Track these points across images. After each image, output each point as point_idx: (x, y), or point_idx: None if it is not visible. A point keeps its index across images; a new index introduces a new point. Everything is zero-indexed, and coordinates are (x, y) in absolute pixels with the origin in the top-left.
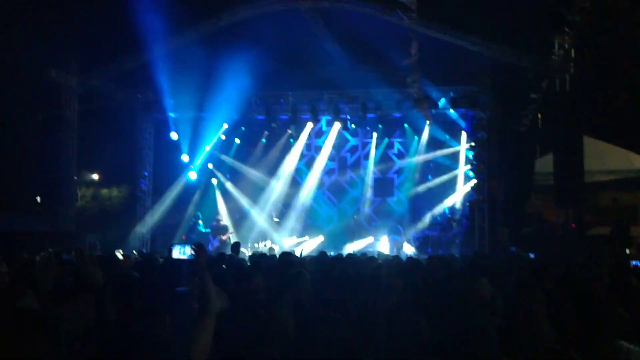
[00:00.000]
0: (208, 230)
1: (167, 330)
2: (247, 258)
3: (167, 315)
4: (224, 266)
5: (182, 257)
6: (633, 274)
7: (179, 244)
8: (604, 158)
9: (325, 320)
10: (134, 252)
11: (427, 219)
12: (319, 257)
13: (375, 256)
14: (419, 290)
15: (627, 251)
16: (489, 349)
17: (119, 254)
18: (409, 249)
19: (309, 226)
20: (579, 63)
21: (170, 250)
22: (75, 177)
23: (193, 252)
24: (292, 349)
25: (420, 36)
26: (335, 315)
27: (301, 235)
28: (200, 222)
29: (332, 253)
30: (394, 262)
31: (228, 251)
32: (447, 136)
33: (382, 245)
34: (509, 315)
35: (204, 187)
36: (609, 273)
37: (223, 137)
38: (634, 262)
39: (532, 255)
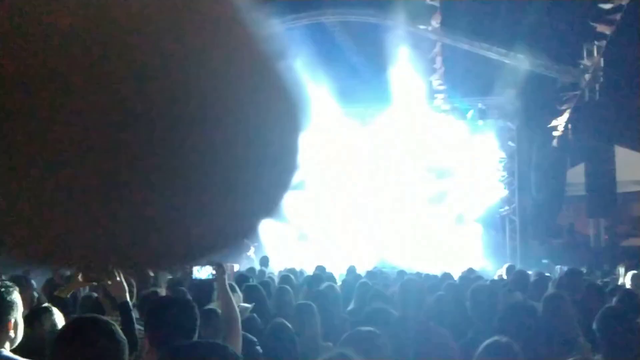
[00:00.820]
0: None
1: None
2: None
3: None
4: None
5: (202, 276)
6: None
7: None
8: (637, 168)
9: (363, 335)
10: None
11: None
12: (349, 272)
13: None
14: (449, 306)
15: None
16: None
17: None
18: None
19: None
20: (608, 72)
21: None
22: None
23: (213, 272)
24: None
25: (446, 48)
26: (373, 331)
27: None
28: None
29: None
30: (423, 277)
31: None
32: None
33: None
34: (544, 329)
35: None
36: None
37: None
38: None
39: (564, 268)
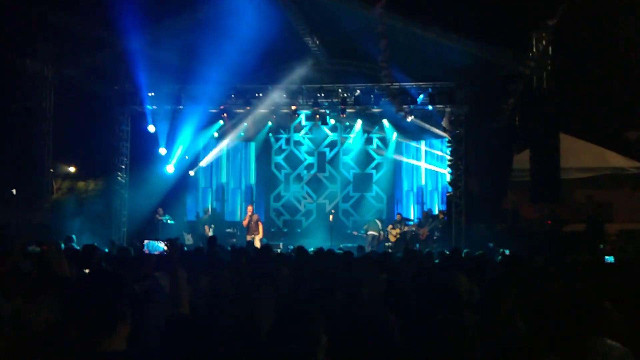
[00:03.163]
0: (172, 222)
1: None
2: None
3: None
4: None
5: (154, 252)
6: (607, 269)
7: (151, 238)
8: (579, 155)
9: (304, 314)
10: (112, 245)
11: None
12: (298, 252)
13: (355, 252)
14: (393, 285)
15: (601, 247)
16: (464, 345)
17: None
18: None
19: (287, 221)
20: (556, 60)
21: (142, 245)
22: (52, 170)
23: (165, 247)
24: (268, 345)
25: (396, 32)
26: (315, 309)
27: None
28: (166, 215)
29: (311, 248)
30: (371, 256)
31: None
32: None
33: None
34: (484, 311)
35: (181, 179)
36: (583, 269)
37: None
38: (607, 258)
39: (507, 252)
